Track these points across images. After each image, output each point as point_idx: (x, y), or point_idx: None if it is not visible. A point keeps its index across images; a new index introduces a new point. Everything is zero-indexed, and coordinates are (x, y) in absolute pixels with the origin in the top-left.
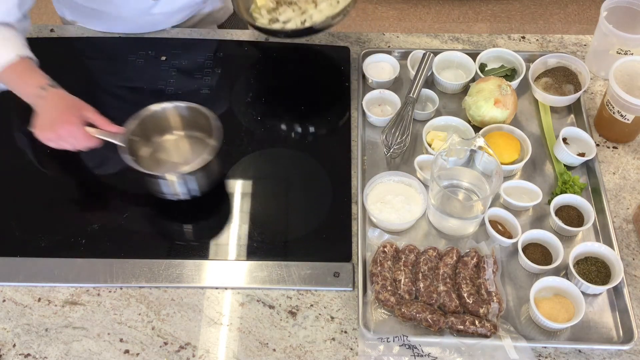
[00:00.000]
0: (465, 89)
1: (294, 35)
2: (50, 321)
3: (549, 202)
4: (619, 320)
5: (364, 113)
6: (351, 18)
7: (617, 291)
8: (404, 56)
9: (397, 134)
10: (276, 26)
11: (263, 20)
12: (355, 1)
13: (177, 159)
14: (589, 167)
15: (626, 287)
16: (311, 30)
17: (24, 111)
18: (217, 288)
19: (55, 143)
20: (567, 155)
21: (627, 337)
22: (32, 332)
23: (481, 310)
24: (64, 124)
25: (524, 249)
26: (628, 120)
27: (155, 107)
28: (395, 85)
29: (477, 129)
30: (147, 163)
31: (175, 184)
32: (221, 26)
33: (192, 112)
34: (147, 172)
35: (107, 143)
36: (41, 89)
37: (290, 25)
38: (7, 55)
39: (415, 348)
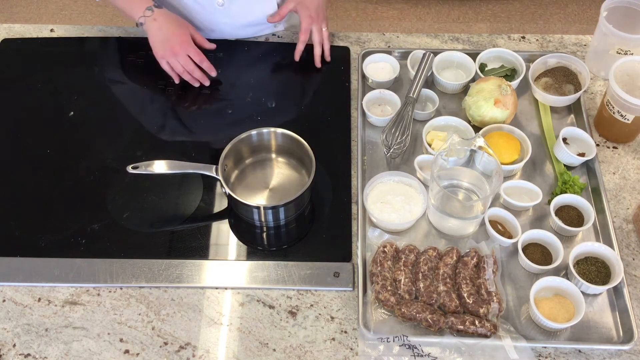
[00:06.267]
0: (465, 89)
1: None
2: (50, 321)
3: (549, 202)
4: (619, 320)
5: (364, 113)
6: (351, 18)
7: (617, 291)
8: (404, 56)
9: (397, 134)
10: None
11: None
12: None
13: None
14: (589, 167)
15: (626, 287)
16: None
17: (24, 111)
18: (217, 288)
19: (171, 60)
20: (567, 155)
21: (627, 337)
22: (32, 332)
23: (481, 310)
24: (177, 41)
25: (524, 249)
26: (628, 120)
27: (251, 132)
28: (395, 85)
29: (477, 129)
30: (236, 185)
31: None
32: None
33: (286, 139)
34: (243, 201)
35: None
36: (147, 9)
37: None
38: None
39: (415, 348)
